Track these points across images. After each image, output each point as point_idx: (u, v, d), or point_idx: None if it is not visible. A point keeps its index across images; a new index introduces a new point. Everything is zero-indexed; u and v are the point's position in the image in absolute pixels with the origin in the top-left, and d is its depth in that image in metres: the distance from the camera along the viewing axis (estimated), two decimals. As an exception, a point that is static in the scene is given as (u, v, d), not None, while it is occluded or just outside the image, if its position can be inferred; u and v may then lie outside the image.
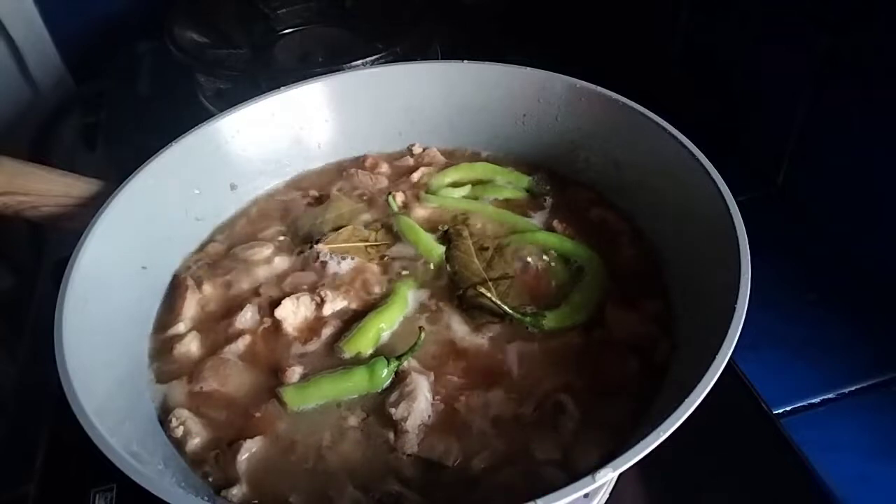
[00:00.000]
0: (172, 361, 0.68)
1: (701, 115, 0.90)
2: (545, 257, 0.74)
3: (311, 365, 0.66)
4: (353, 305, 0.71)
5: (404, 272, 0.74)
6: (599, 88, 0.80)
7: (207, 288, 0.74)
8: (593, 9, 1.34)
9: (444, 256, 0.74)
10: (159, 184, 0.76)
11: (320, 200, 0.84)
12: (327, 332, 0.69)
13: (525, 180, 0.85)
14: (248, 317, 0.70)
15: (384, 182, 0.87)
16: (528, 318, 0.67)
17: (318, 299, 0.71)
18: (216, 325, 0.71)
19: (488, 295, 0.67)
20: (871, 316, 0.85)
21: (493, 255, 0.73)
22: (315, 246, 0.76)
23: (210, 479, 0.59)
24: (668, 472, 0.68)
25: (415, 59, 0.94)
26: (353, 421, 0.61)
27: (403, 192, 0.84)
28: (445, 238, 0.76)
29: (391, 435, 0.60)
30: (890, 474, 0.72)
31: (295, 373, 0.65)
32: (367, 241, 0.77)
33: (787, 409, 0.78)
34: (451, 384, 0.64)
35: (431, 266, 0.74)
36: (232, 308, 0.72)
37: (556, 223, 0.79)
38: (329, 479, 0.58)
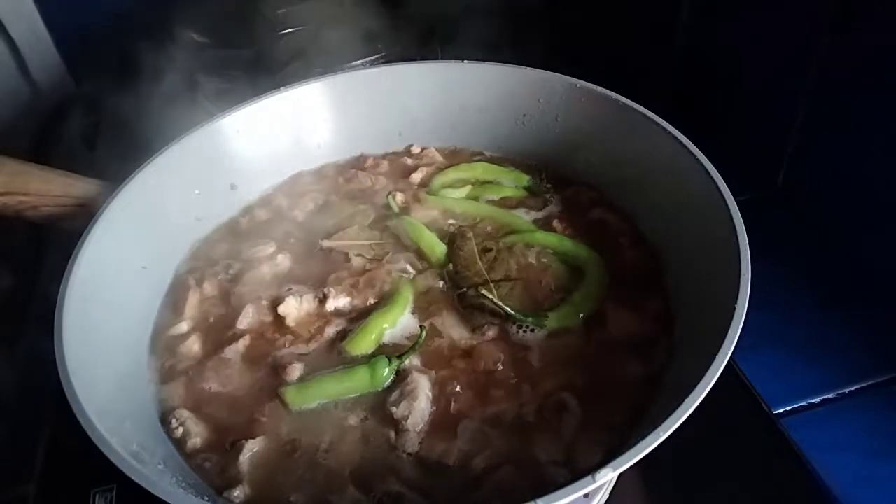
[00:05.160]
0: (174, 361, 0.68)
1: (701, 115, 0.90)
2: (546, 258, 0.74)
3: (312, 364, 0.66)
4: (356, 303, 0.71)
5: (407, 272, 0.74)
6: (599, 88, 0.80)
7: (208, 287, 0.74)
8: (593, 9, 1.33)
9: (446, 256, 0.74)
10: (159, 184, 0.76)
11: (321, 202, 0.84)
12: (330, 330, 0.69)
13: (525, 180, 0.85)
14: (249, 316, 0.71)
15: (384, 182, 0.87)
16: (529, 319, 0.67)
17: (320, 296, 0.71)
18: (217, 325, 0.71)
19: (489, 296, 0.67)
20: (870, 316, 0.85)
21: (496, 257, 0.73)
22: (321, 243, 0.75)
23: (211, 480, 0.59)
24: (668, 472, 0.68)
25: (415, 59, 0.94)
26: (353, 420, 0.61)
27: (403, 192, 0.84)
28: (449, 239, 0.76)
29: (392, 434, 0.60)
30: (890, 474, 0.72)
31: (296, 371, 0.65)
32: (371, 241, 0.77)
33: (787, 409, 0.78)
34: (452, 383, 0.64)
35: (435, 266, 0.74)
36: (234, 307, 0.72)
37: (556, 223, 0.79)
38: (330, 478, 0.58)
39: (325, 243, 0.76)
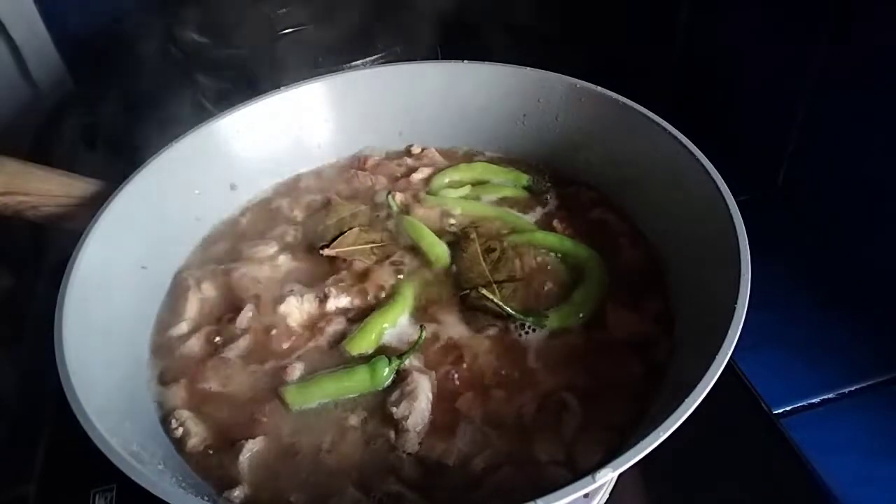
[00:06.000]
0: (174, 361, 0.68)
1: (701, 115, 0.90)
2: (546, 258, 0.74)
3: (312, 363, 0.66)
4: (356, 303, 0.71)
5: (408, 272, 0.74)
6: (599, 88, 0.80)
7: (208, 287, 0.74)
8: (593, 9, 1.33)
9: (448, 256, 0.74)
10: (159, 184, 0.76)
11: (321, 203, 0.84)
12: (330, 330, 0.69)
13: (525, 180, 0.85)
14: (249, 316, 0.70)
15: (384, 182, 0.87)
16: (529, 319, 0.67)
17: (321, 296, 0.71)
18: (218, 325, 0.71)
19: (491, 297, 0.67)
20: (870, 316, 0.85)
21: (500, 257, 0.73)
22: (322, 251, 0.75)
23: (211, 480, 0.59)
24: (668, 472, 0.68)
25: (415, 60, 0.94)
26: (353, 420, 0.61)
27: (403, 192, 0.84)
28: (452, 240, 0.76)
29: (392, 434, 0.60)
30: (890, 474, 0.72)
31: (296, 371, 0.65)
32: (371, 244, 0.77)
33: (787, 409, 0.78)
34: (453, 383, 0.64)
35: (435, 266, 0.74)
36: (233, 307, 0.72)
37: (556, 223, 0.79)
38: (330, 478, 0.58)
39: (326, 252, 0.75)
